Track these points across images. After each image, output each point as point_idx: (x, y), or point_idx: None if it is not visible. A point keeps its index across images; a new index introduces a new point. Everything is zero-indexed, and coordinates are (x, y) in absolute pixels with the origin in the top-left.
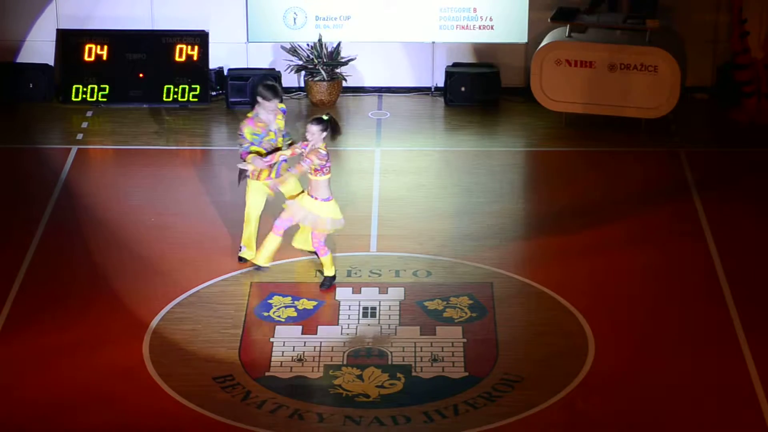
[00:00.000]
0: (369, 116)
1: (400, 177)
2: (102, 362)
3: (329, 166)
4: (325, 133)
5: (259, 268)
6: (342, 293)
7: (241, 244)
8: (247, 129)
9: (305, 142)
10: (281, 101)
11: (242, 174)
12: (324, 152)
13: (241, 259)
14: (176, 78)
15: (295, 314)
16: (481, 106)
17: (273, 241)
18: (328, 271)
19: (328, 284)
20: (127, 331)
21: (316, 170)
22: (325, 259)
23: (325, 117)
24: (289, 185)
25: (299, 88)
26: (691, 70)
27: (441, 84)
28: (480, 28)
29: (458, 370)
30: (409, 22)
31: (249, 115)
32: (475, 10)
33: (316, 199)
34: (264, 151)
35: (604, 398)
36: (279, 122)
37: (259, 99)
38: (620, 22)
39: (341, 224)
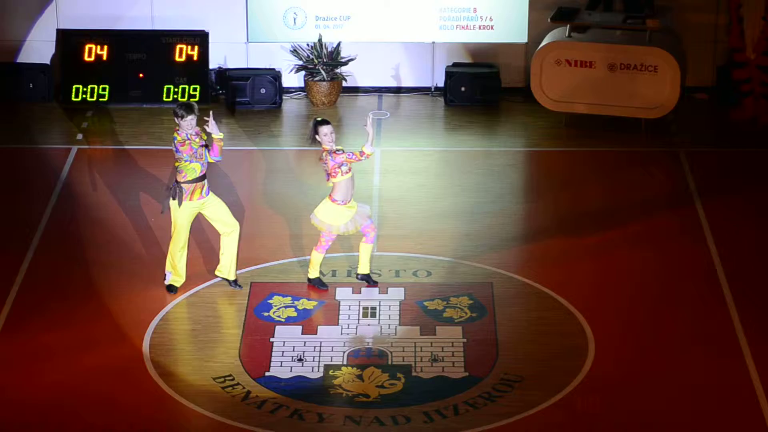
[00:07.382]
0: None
1: (400, 177)
2: (102, 362)
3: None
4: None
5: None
6: (342, 293)
7: (169, 272)
8: (185, 147)
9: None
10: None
11: (176, 195)
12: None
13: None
14: (176, 78)
15: (295, 314)
16: (481, 106)
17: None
18: (312, 272)
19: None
20: (127, 330)
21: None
22: (314, 256)
23: (318, 119)
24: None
25: (299, 88)
26: (691, 70)
27: (441, 84)
28: (480, 28)
29: (458, 370)
30: (409, 22)
31: (180, 139)
32: (475, 10)
33: (329, 198)
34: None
35: (604, 398)
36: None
37: (178, 120)
38: (620, 22)
39: (337, 232)
